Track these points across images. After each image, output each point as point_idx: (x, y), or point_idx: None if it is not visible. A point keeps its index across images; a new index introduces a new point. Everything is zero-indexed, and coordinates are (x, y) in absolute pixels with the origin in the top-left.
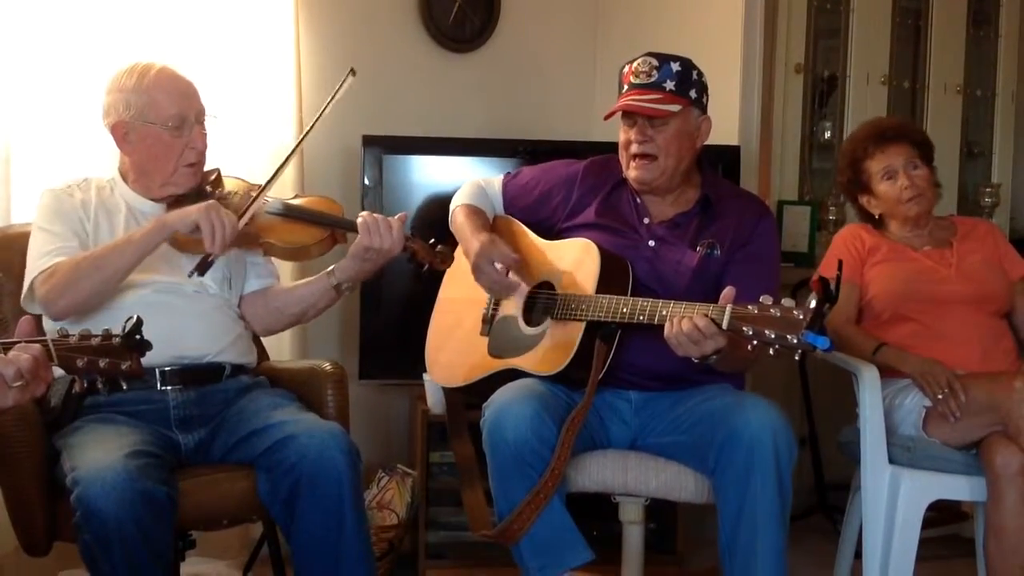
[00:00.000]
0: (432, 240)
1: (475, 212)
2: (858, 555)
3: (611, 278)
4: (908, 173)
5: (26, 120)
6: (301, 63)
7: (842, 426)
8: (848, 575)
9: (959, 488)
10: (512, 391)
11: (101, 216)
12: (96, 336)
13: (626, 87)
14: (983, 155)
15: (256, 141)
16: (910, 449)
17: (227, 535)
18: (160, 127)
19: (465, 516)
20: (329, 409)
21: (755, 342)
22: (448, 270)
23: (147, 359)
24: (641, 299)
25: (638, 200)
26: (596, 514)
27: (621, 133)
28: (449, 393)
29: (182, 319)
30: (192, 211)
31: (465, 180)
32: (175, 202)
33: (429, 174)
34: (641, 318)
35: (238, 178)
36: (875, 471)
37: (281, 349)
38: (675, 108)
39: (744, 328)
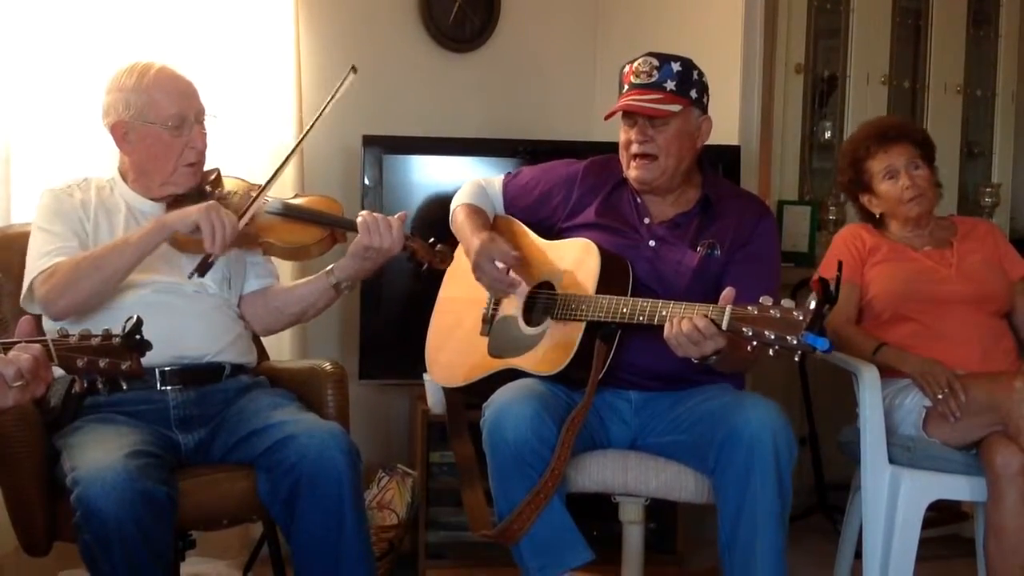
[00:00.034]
0: (432, 239)
1: (475, 211)
2: (858, 555)
3: (611, 278)
4: (910, 173)
5: (26, 120)
6: (301, 63)
7: (842, 426)
8: (848, 575)
9: (959, 488)
10: (512, 391)
11: (101, 216)
12: (96, 336)
13: (627, 87)
14: (983, 155)
15: (256, 141)
16: (910, 449)
17: (227, 535)
18: (160, 127)
19: (465, 516)
20: (329, 409)
21: (755, 343)
22: (448, 270)
23: (147, 359)
24: (641, 299)
25: (638, 200)
26: (596, 514)
27: (621, 133)
28: (449, 393)
29: (182, 319)
30: (192, 211)
31: (465, 180)
32: (175, 202)
33: (429, 174)
34: (641, 318)
35: (238, 178)
36: (875, 471)
37: (281, 349)
38: (676, 108)
39: (744, 329)
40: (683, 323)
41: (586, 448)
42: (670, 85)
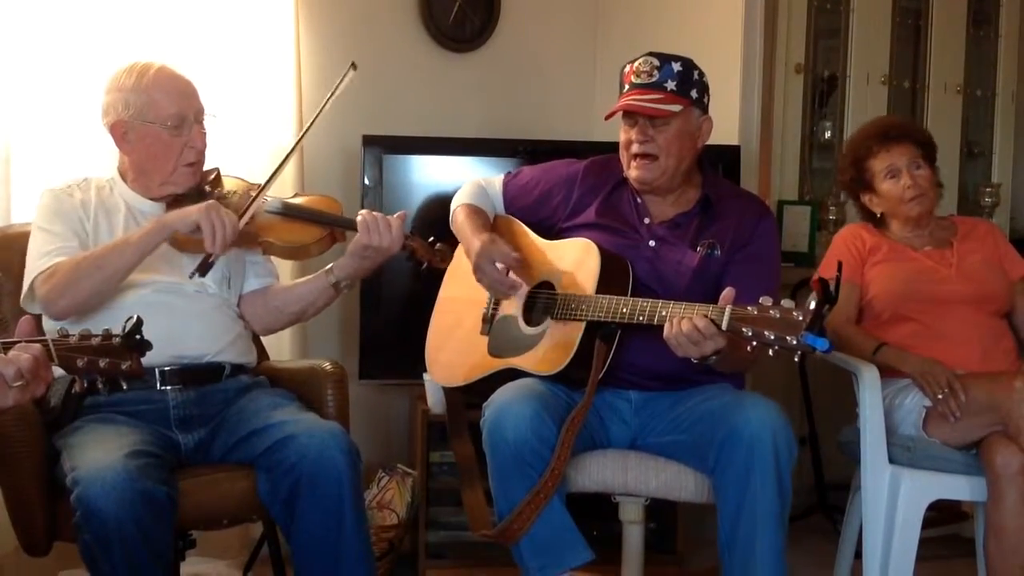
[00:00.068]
0: (431, 238)
1: (476, 212)
2: (858, 555)
3: (611, 278)
4: (911, 173)
5: (26, 120)
6: (301, 63)
7: (842, 426)
8: (848, 575)
9: (959, 488)
10: (512, 391)
11: (101, 216)
12: (96, 336)
13: (627, 87)
14: (983, 155)
15: (256, 141)
16: (910, 449)
17: (227, 535)
18: (159, 126)
19: (465, 516)
20: (329, 409)
21: (754, 343)
22: (448, 270)
23: (147, 359)
24: (641, 299)
25: (638, 200)
26: (596, 514)
27: (622, 133)
28: (449, 393)
29: (182, 319)
30: (192, 211)
31: (465, 180)
32: (174, 202)
33: (429, 174)
34: (641, 318)
35: (237, 177)
36: (875, 471)
37: (281, 349)
38: (676, 108)
39: (743, 329)
40: (683, 323)
41: (586, 448)
42: (671, 85)
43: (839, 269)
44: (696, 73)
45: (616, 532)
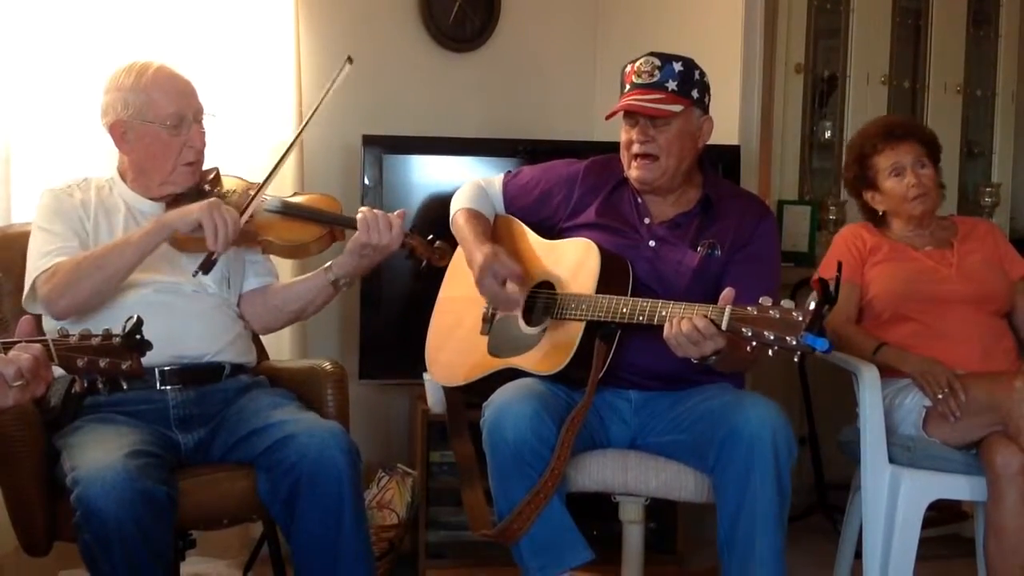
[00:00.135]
0: (431, 236)
1: (476, 217)
2: (858, 555)
3: (611, 278)
4: (916, 171)
5: (26, 120)
6: (301, 63)
7: (842, 426)
8: (848, 575)
9: (959, 488)
10: (512, 391)
11: (101, 216)
12: (96, 336)
13: (628, 87)
14: (983, 155)
15: (255, 140)
16: (910, 449)
17: (227, 535)
18: (158, 126)
19: (465, 516)
20: (329, 409)
21: (754, 343)
22: (448, 269)
23: (147, 359)
24: (641, 299)
25: (639, 200)
26: (596, 514)
27: (623, 133)
28: (449, 392)
29: (182, 319)
30: (194, 209)
31: (465, 180)
32: (174, 201)
33: (429, 174)
34: (641, 318)
35: (237, 177)
36: (875, 471)
37: (281, 348)
38: (677, 108)
39: (743, 329)
40: (683, 323)
41: (586, 448)
42: (672, 85)
43: (839, 269)
44: (697, 73)
45: (616, 532)
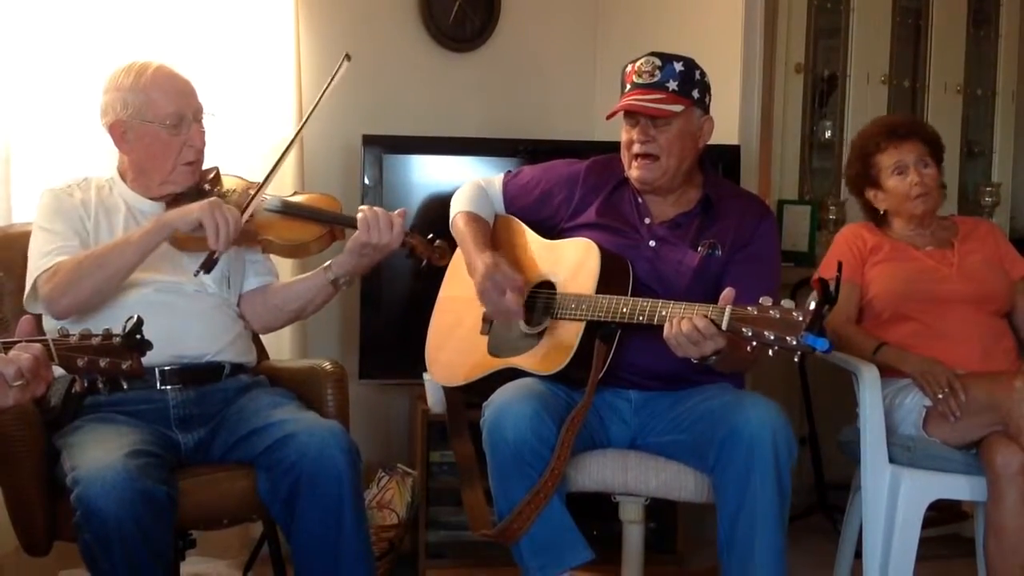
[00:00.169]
0: (431, 235)
1: (476, 220)
2: (858, 555)
3: (611, 278)
4: (919, 170)
5: (26, 120)
6: (301, 63)
7: (842, 426)
8: (848, 575)
9: (959, 488)
10: (512, 390)
11: (101, 215)
12: (96, 336)
13: (629, 87)
14: (983, 155)
15: (255, 140)
16: (910, 449)
17: (227, 534)
18: (158, 126)
19: (465, 516)
20: (329, 409)
21: (754, 343)
22: (448, 269)
23: (147, 359)
24: (641, 299)
25: (639, 200)
26: (596, 514)
27: (623, 133)
28: (449, 392)
29: (182, 319)
30: (194, 208)
31: (465, 180)
32: (174, 201)
33: (429, 174)
34: (641, 318)
35: (236, 176)
36: (875, 471)
37: (281, 348)
38: (678, 108)
39: (743, 329)
40: (683, 323)
41: (586, 448)
42: (672, 85)
43: (839, 269)
44: (698, 73)
45: (616, 532)
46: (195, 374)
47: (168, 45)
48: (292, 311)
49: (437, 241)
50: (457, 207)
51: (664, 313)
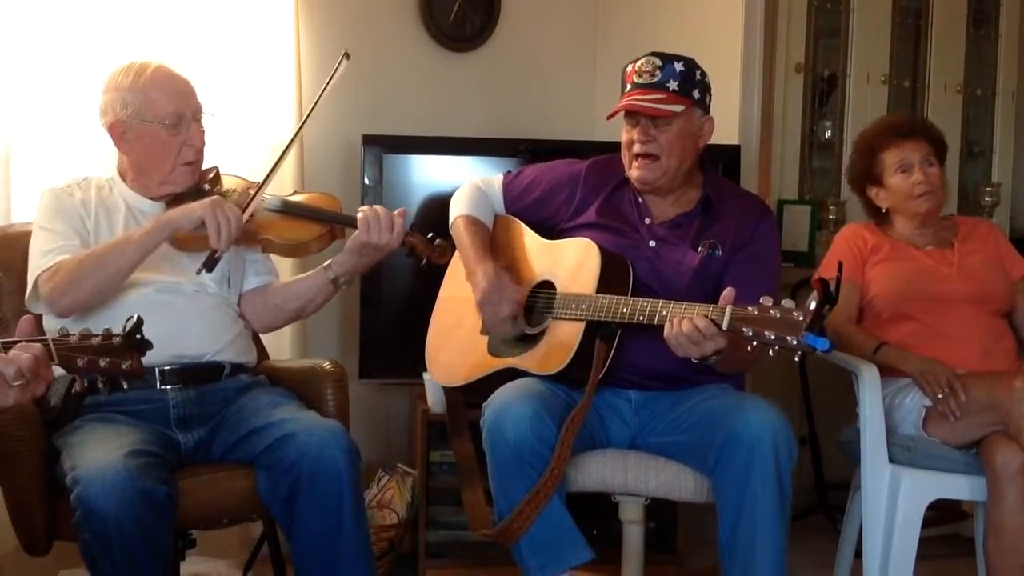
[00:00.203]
0: (430, 234)
1: (475, 225)
2: (858, 555)
3: (611, 278)
4: (923, 169)
5: (26, 120)
6: (301, 63)
7: (842, 426)
8: (848, 575)
9: (959, 487)
10: (512, 390)
11: (101, 215)
12: (96, 336)
13: (629, 87)
14: (983, 154)
15: (255, 140)
16: (910, 448)
17: (227, 534)
18: (157, 125)
19: (465, 515)
20: (329, 408)
21: (755, 343)
22: (448, 269)
23: (147, 358)
24: (641, 299)
25: (640, 200)
26: (596, 513)
27: (624, 133)
28: (449, 392)
29: (182, 318)
30: (196, 207)
31: (465, 180)
32: (173, 200)
33: (429, 173)
34: (641, 318)
35: (236, 176)
36: (875, 470)
37: (281, 348)
38: (678, 108)
39: (744, 329)
40: (683, 323)
41: (586, 447)
42: (673, 85)
43: (839, 269)
44: (698, 73)
45: (616, 532)
46: (195, 374)
47: (168, 45)
48: (292, 310)
49: (437, 240)
50: (457, 210)
51: (664, 313)
